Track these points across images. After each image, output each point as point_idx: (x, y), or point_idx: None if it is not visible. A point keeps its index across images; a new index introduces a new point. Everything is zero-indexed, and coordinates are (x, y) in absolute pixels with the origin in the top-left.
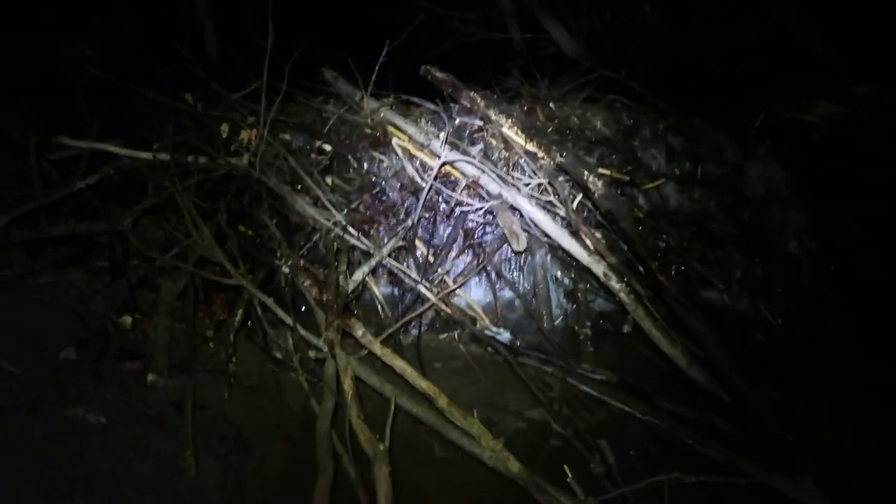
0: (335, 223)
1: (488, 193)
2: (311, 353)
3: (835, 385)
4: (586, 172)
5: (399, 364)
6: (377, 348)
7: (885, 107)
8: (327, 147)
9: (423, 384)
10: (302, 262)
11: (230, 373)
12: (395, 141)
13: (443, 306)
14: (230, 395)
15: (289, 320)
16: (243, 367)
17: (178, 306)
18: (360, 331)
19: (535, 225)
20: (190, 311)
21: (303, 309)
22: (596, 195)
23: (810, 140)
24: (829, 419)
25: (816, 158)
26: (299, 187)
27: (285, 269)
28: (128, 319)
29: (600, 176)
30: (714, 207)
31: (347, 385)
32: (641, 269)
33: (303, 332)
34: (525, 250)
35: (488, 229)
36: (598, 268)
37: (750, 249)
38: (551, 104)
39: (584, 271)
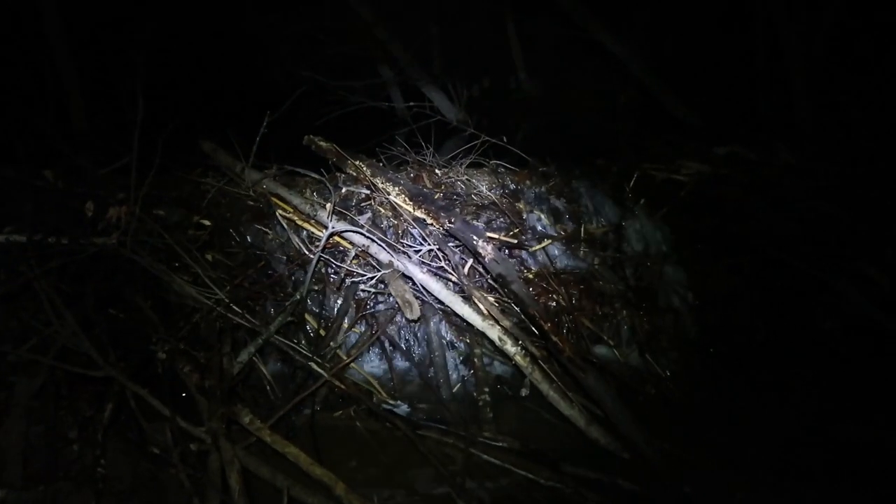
0: (217, 301)
1: (379, 262)
2: (193, 446)
3: (724, 434)
4: (475, 237)
5: (291, 451)
6: (266, 435)
7: (742, 165)
8: (206, 221)
9: (318, 471)
10: (181, 345)
11: (99, 477)
12: (279, 212)
13: (336, 382)
14: None
15: (166, 411)
16: (115, 468)
17: (36, 406)
18: (246, 417)
19: (428, 292)
20: (50, 411)
21: (183, 396)
22: (486, 259)
23: (680, 198)
24: (723, 470)
25: (688, 215)
26: (177, 265)
27: (162, 355)
28: None
29: (489, 240)
30: (598, 265)
31: (234, 480)
32: (535, 330)
33: (183, 423)
34: (419, 318)
35: (380, 299)
36: (493, 332)
37: (635, 305)
38: (437, 171)
39: (480, 336)
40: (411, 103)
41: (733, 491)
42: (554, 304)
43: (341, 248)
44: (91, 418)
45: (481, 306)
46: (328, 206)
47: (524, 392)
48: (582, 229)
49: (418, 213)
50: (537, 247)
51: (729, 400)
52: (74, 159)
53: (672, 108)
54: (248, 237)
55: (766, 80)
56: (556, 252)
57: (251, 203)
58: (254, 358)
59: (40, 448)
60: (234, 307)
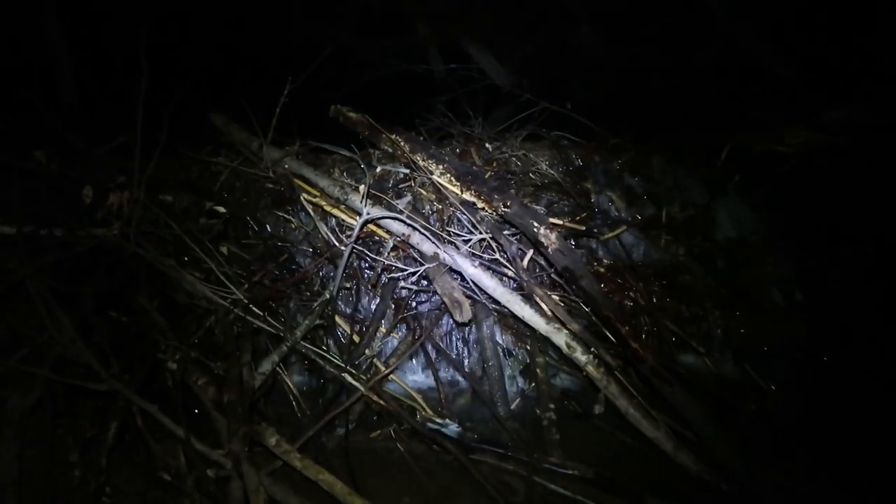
0: (234, 302)
1: (422, 255)
2: (211, 472)
3: (844, 461)
4: (535, 223)
5: (325, 479)
6: (296, 459)
7: (862, 131)
8: (220, 208)
9: (357, 502)
10: (194, 354)
11: None
12: (304, 197)
13: (374, 397)
14: None
15: (179, 431)
16: (121, 497)
17: (31, 425)
18: (272, 438)
19: (480, 289)
20: (47, 430)
21: (197, 413)
22: (549, 250)
23: (784, 173)
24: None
25: (794, 194)
26: (186, 260)
27: (172, 365)
28: None
29: (552, 227)
30: (683, 256)
31: None
32: (610, 334)
33: (198, 445)
34: (470, 321)
35: (424, 298)
36: (560, 337)
37: (729, 303)
38: (488, 145)
39: (543, 342)
40: (453, 65)
41: None
42: (631, 303)
43: (377, 239)
44: (93, 439)
45: (544, 306)
46: (361, 188)
47: (598, 409)
48: (663, 213)
49: (467, 196)
50: (609, 234)
51: (849, 419)
52: (68, 138)
53: (772, 64)
54: (268, 226)
55: (893, 21)
56: (632, 240)
57: (271, 186)
58: (277, 368)
59: (37, 473)
60: (254, 308)
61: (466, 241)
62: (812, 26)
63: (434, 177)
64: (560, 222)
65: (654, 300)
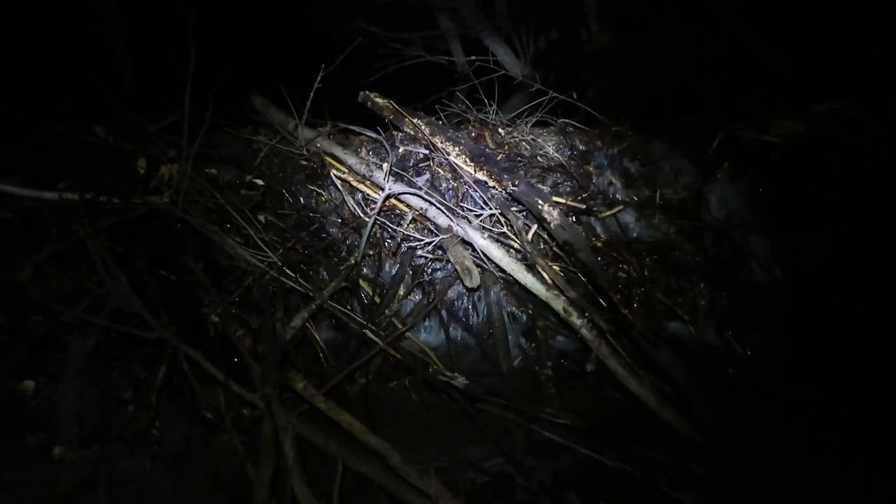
0: (270, 265)
1: (437, 227)
2: (246, 412)
3: (811, 421)
4: (540, 201)
5: (345, 419)
6: (320, 402)
7: (845, 124)
8: (259, 181)
9: (372, 440)
10: (233, 309)
11: (153, 440)
12: (333, 173)
13: (391, 351)
14: (153, 466)
15: (219, 375)
16: (168, 432)
17: (90, 366)
18: (300, 384)
19: (489, 259)
20: (104, 372)
21: (235, 361)
22: (552, 225)
23: (770, 161)
24: (808, 458)
25: (778, 180)
26: (228, 226)
27: (214, 318)
28: (30, 384)
29: (555, 205)
30: (675, 234)
31: (288, 446)
32: (603, 302)
33: (236, 387)
34: (479, 287)
35: (438, 266)
36: (558, 303)
37: (714, 278)
38: (500, 130)
39: (543, 307)
40: (472, 57)
41: (822, 482)
42: (624, 275)
43: (398, 212)
44: (144, 380)
45: (545, 275)
46: (385, 166)
47: (590, 368)
48: (657, 195)
49: (480, 175)
50: (607, 213)
51: (820, 384)
52: (124, 115)
53: (765, 59)
54: (301, 198)
55: (881, 22)
56: (629, 219)
57: (304, 163)
58: (307, 324)
59: (95, 408)
60: (287, 271)
61: (478, 216)
62: (806, 24)
63: (451, 157)
64: (563, 201)
65: (646, 273)
